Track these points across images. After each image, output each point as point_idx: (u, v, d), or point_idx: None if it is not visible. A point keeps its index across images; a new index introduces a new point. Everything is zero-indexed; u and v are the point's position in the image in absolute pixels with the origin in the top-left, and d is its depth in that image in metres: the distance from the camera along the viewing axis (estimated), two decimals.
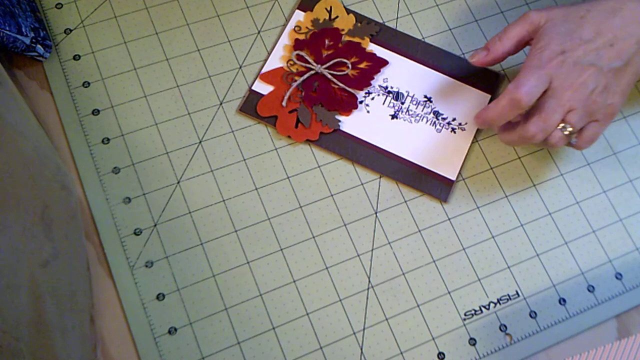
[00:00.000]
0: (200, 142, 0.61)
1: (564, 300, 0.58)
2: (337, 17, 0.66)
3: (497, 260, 0.59)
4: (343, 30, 0.65)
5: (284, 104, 0.62)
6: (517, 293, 0.58)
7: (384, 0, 0.67)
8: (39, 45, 0.61)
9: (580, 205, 0.62)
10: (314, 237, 0.59)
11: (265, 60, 0.64)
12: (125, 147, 0.60)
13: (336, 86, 0.63)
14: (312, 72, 0.63)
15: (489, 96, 0.64)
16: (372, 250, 0.59)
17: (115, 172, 0.60)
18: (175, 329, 0.55)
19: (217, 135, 0.62)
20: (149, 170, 0.60)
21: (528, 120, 0.56)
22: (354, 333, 0.56)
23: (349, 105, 0.62)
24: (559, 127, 0.56)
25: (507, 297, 0.58)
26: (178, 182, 0.60)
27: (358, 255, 0.59)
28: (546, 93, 0.56)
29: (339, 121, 0.62)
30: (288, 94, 0.62)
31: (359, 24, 0.65)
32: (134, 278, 0.57)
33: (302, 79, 0.63)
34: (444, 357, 0.56)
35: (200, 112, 0.62)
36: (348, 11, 0.66)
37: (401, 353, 0.56)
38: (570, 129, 0.56)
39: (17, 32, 0.58)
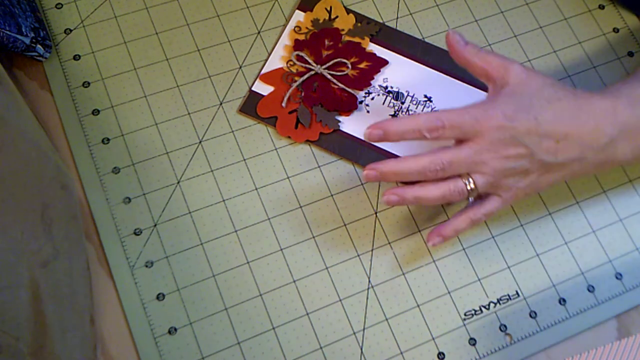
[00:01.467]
0: (200, 142, 0.61)
1: (564, 300, 0.58)
2: (337, 17, 0.66)
3: (497, 260, 0.59)
4: (343, 30, 0.65)
5: (283, 104, 0.62)
6: (517, 293, 0.59)
7: (384, 0, 0.67)
8: (39, 45, 0.61)
9: (580, 206, 0.62)
10: (314, 237, 0.59)
11: (265, 61, 0.64)
12: (125, 147, 0.60)
13: (336, 86, 0.63)
14: (312, 72, 0.63)
15: None
16: (372, 250, 0.59)
17: (115, 172, 0.60)
18: (175, 329, 0.55)
19: (217, 135, 0.62)
20: (149, 170, 0.60)
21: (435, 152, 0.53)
22: (354, 333, 0.56)
23: (349, 105, 0.62)
24: (464, 181, 0.53)
25: (507, 297, 0.58)
26: (178, 182, 0.60)
27: (358, 255, 0.59)
28: (467, 142, 0.53)
29: (339, 121, 0.62)
30: (288, 94, 0.62)
31: (359, 24, 0.65)
32: (134, 278, 0.57)
33: (301, 79, 0.63)
34: (444, 357, 0.56)
35: (200, 112, 0.62)
36: (348, 11, 0.66)
37: (401, 353, 0.56)
38: (473, 187, 0.53)
39: (17, 32, 0.58)
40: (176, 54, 0.64)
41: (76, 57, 0.63)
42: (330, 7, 0.66)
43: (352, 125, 0.62)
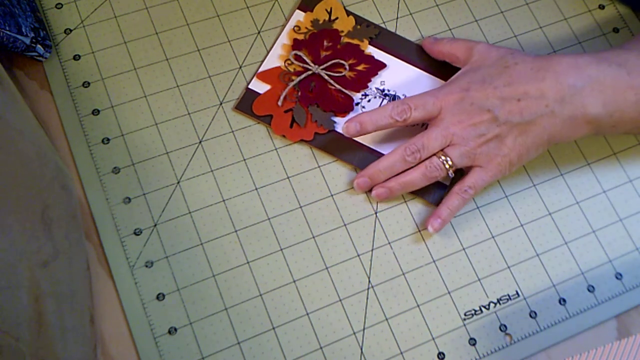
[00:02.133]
0: (200, 142, 0.61)
1: (564, 300, 0.58)
2: (337, 18, 0.66)
3: (497, 260, 0.59)
4: (342, 31, 0.65)
5: (279, 103, 0.62)
6: (517, 293, 0.59)
7: (384, 0, 0.67)
8: (39, 45, 0.61)
9: (580, 205, 0.62)
10: (314, 237, 0.59)
11: (263, 59, 0.64)
12: (125, 147, 0.60)
13: (333, 87, 0.63)
14: (310, 72, 0.63)
15: None
16: (372, 250, 0.59)
17: (115, 172, 0.60)
18: (175, 329, 0.55)
19: (217, 135, 0.62)
20: (149, 170, 0.60)
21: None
22: (354, 333, 0.56)
23: (345, 106, 0.62)
24: (439, 157, 0.57)
25: (507, 297, 0.58)
26: (178, 182, 0.60)
27: (358, 255, 0.59)
28: (434, 121, 0.58)
29: (335, 122, 0.62)
30: (284, 93, 0.62)
31: (359, 27, 0.65)
32: (134, 278, 0.57)
33: (299, 78, 0.62)
34: (444, 357, 0.56)
35: (200, 112, 0.62)
36: (348, 13, 0.66)
37: (401, 353, 0.56)
38: (450, 162, 0.57)
39: (17, 32, 0.58)
40: (176, 54, 0.64)
41: (76, 57, 0.63)
42: (331, 8, 0.66)
43: None
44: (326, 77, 0.63)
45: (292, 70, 0.63)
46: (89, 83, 0.62)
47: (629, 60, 0.57)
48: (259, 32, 0.66)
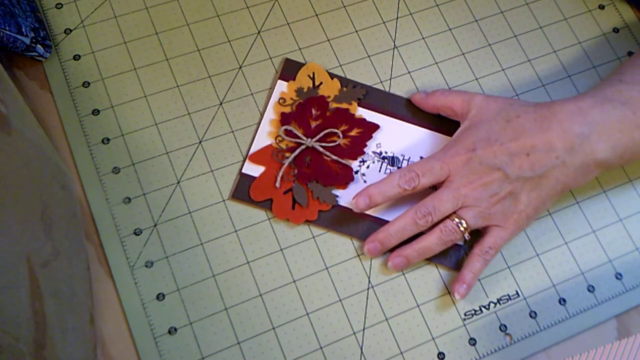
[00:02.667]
0: (200, 142, 0.61)
1: (564, 300, 0.58)
2: (321, 83, 0.63)
3: (497, 260, 0.59)
4: (329, 97, 0.62)
5: (277, 184, 0.59)
6: (517, 293, 0.58)
7: (384, 0, 0.67)
8: (39, 45, 0.61)
9: (580, 205, 0.62)
10: (314, 237, 0.59)
11: (252, 139, 0.61)
12: (125, 147, 0.60)
13: (329, 158, 0.60)
14: (303, 146, 0.60)
15: None
16: None
17: (115, 172, 0.60)
18: (175, 329, 0.55)
19: (217, 135, 0.62)
20: (149, 170, 0.60)
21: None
22: (354, 333, 0.56)
23: (345, 177, 0.59)
24: (453, 220, 0.55)
25: (507, 297, 0.58)
26: (178, 182, 0.60)
27: (358, 256, 0.59)
28: (443, 184, 0.56)
29: (337, 196, 0.59)
30: (280, 173, 0.59)
31: (345, 89, 0.62)
32: (134, 278, 0.57)
33: (293, 155, 0.59)
34: (444, 357, 0.56)
35: (200, 112, 0.62)
36: (332, 76, 0.63)
37: (401, 353, 0.56)
38: (465, 225, 0.55)
39: (17, 32, 0.59)
40: (176, 54, 0.64)
41: (76, 57, 0.63)
42: (313, 74, 0.63)
43: (351, 198, 0.58)
44: (321, 150, 0.60)
45: (284, 146, 0.60)
46: (89, 83, 0.62)
47: (632, 97, 0.55)
48: (259, 32, 0.66)
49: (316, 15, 0.66)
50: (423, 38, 0.66)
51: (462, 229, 0.55)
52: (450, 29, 0.67)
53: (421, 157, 0.61)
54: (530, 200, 0.55)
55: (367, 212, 0.59)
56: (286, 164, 0.59)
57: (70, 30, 0.64)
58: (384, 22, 0.66)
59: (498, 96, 0.59)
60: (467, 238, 0.56)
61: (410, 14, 0.67)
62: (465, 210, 0.55)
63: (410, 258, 0.56)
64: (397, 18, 0.67)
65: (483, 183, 0.55)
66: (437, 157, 0.56)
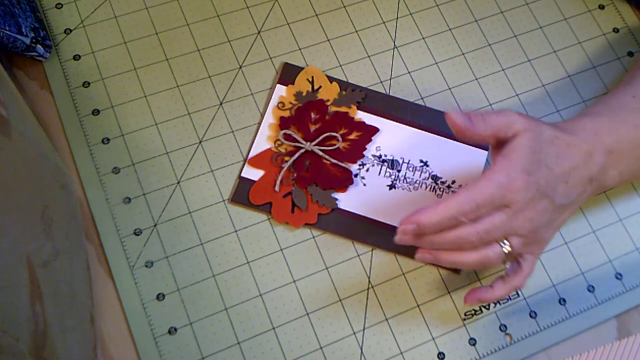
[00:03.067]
0: (200, 142, 0.61)
1: (564, 300, 0.58)
2: (320, 87, 0.62)
3: None
4: (328, 100, 0.62)
5: (276, 188, 0.59)
6: (517, 293, 0.58)
7: (384, 0, 0.67)
8: (39, 45, 0.61)
9: (580, 206, 0.62)
10: (314, 237, 0.59)
11: (252, 143, 0.61)
12: (125, 147, 0.60)
13: (328, 162, 0.60)
14: (302, 150, 0.60)
15: (486, 152, 0.61)
16: (372, 250, 0.59)
17: (115, 172, 0.60)
18: (175, 329, 0.55)
19: (217, 135, 0.62)
20: (149, 170, 0.60)
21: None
22: (354, 333, 0.56)
23: (344, 181, 0.59)
24: (499, 243, 0.51)
25: (507, 297, 0.58)
26: (178, 182, 0.60)
27: (358, 255, 0.59)
28: (501, 208, 0.51)
29: (336, 199, 0.59)
30: (280, 177, 0.59)
31: (344, 92, 0.62)
32: (134, 278, 0.57)
33: (292, 159, 0.59)
34: (444, 357, 0.56)
35: (200, 112, 0.62)
36: (331, 79, 0.63)
37: (401, 353, 0.56)
38: (510, 249, 0.51)
39: (17, 32, 0.59)
40: (176, 54, 0.64)
41: (76, 57, 0.63)
42: (312, 77, 0.63)
43: (350, 201, 0.59)
44: (320, 153, 0.60)
45: (283, 150, 0.60)
46: (89, 83, 0.62)
47: None
48: (259, 32, 0.66)
49: (316, 15, 0.66)
50: (423, 38, 0.66)
51: (505, 254, 0.52)
52: (450, 29, 0.67)
53: (421, 161, 0.61)
54: (555, 227, 0.54)
55: (367, 215, 0.59)
56: (285, 168, 0.59)
57: (70, 30, 0.64)
58: (384, 22, 0.66)
59: (531, 117, 0.54)
60: (507, 268, 0.54)
61: (410, 14, 0.67)
62: (516, 238, 0.52)
63: (440, 262, 0.53)
64: (397, 18, 0.67)
65: (537, 212, 0.51)
66: (496, 181, 0.50)
